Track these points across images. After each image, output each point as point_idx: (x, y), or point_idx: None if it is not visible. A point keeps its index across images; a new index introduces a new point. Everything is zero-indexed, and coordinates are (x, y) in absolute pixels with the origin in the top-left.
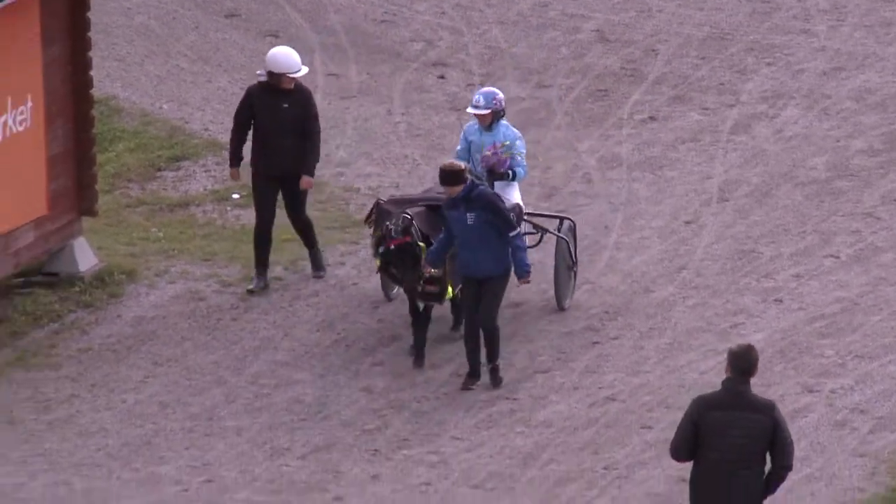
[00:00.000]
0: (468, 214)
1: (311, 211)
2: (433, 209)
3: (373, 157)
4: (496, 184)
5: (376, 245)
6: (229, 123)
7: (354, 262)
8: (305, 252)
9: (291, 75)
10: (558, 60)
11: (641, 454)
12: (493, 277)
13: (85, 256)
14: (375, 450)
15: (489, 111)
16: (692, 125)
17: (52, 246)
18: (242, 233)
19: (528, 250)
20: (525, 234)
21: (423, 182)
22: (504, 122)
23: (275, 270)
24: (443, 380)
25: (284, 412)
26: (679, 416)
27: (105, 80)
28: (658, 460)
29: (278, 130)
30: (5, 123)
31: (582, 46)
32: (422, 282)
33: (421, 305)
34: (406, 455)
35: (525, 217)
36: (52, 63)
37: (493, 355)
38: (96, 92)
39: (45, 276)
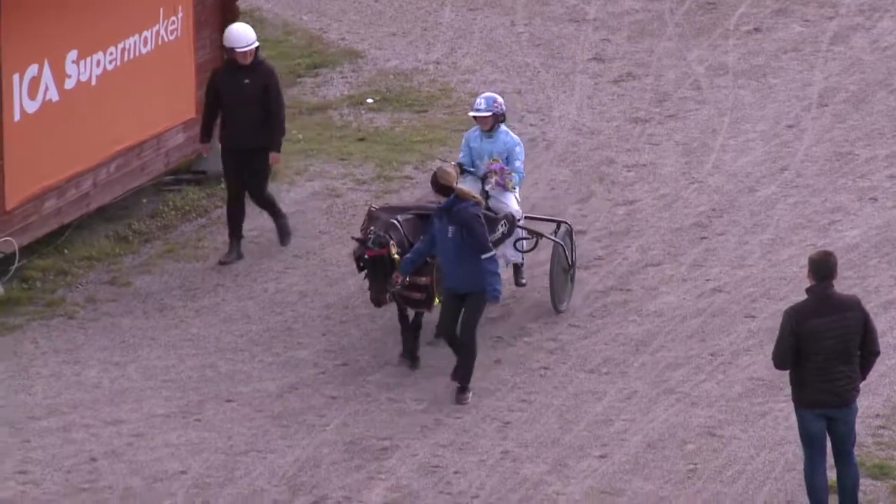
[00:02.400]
0: (449, 227)
1: (439, 115)
2: (423, 218)
3: (497, 65)
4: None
5: (357, 245)
6: (365, 33)
7: None
8: (435, 151)
9: (239, 49)
10: None
11: (745, 342)
12: (473, 293)
13: None
14: (498, 336)
15: (490, 114)
16: (794, 36)
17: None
18: (376, 134)
19: (527, 254)
20: (521, 238)
21: (544, 88)
22: (504, 127)
23: (405, 170)
24: None
25: None
26: (781, 306)
27: None
28: (760, 347)
29: (240, 105)
30: (157, 33)
31: None
32: (396, 286)
33: (411, 313)
34: (526, 342)
35: (520, 224)
36: None
37: (464, 376)
38: (241, 3)
39: (193, 174)
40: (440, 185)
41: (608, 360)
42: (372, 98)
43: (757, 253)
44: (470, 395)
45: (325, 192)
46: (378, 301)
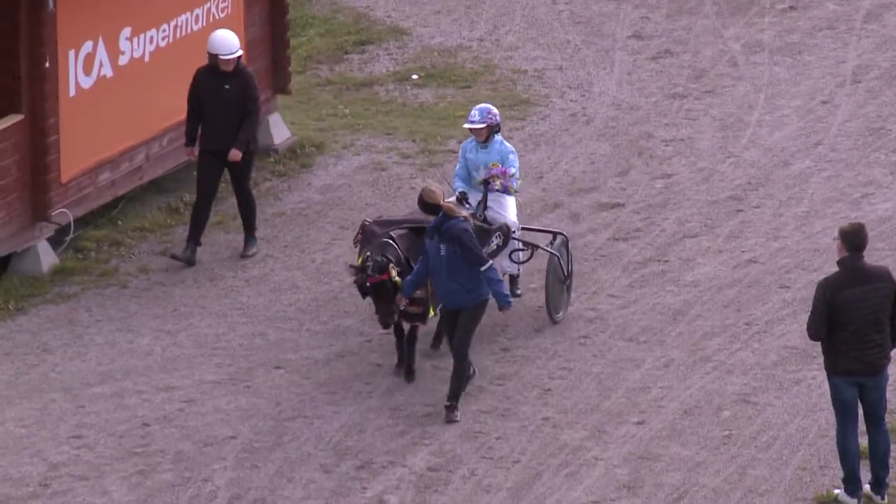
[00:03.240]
0: (441, 245)
1: (482, 91)
2: (417, 231)
3: (538, 42)
4: (490, 198)
5: (356, 273)
6: (410, 11)
7: (521, 137)
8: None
9: (223, 57)
10: None
11: (780, 311)
12: (464, 310)
13: (279, 130)
14: (540, 306)
15: (484, 125)
16: (828, 14)
17: None
18: (420, 110)
19: (524, 265)
20: (517, 250)
21: (584, 65)
22: (498, 137)
23: (449, 144)
24: (600, 244)
25: None
26: (814, 277)
27: None
28: (794, 317)
29: (220, 109)
30: (209, 11)
31: None
32: (401, 307)
33: (406, 326)
34: (567, 311)
35: (516, 235)
36: None
37: (454, 394)
38: None
39: None
40: (426, 205)
41: (646, 329)
42: (417, 74)
43: (791, 225)
44: (458, 413)
45: (371, 165)
46: (387, 324)
